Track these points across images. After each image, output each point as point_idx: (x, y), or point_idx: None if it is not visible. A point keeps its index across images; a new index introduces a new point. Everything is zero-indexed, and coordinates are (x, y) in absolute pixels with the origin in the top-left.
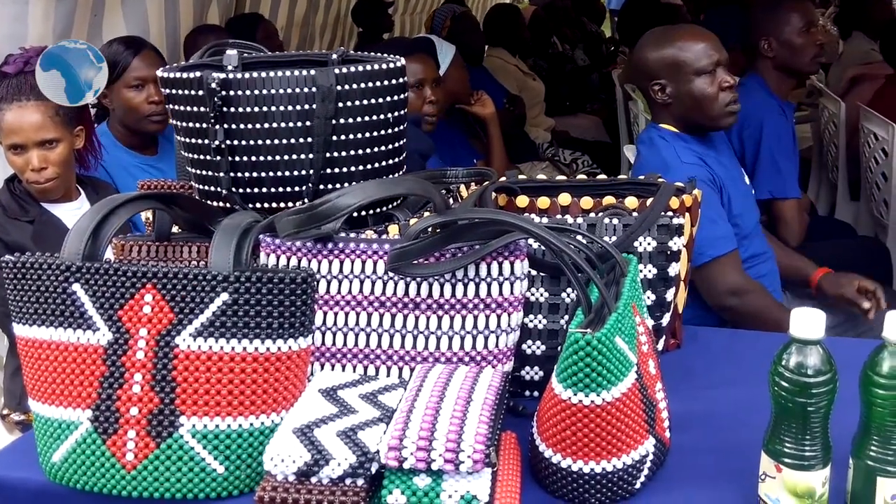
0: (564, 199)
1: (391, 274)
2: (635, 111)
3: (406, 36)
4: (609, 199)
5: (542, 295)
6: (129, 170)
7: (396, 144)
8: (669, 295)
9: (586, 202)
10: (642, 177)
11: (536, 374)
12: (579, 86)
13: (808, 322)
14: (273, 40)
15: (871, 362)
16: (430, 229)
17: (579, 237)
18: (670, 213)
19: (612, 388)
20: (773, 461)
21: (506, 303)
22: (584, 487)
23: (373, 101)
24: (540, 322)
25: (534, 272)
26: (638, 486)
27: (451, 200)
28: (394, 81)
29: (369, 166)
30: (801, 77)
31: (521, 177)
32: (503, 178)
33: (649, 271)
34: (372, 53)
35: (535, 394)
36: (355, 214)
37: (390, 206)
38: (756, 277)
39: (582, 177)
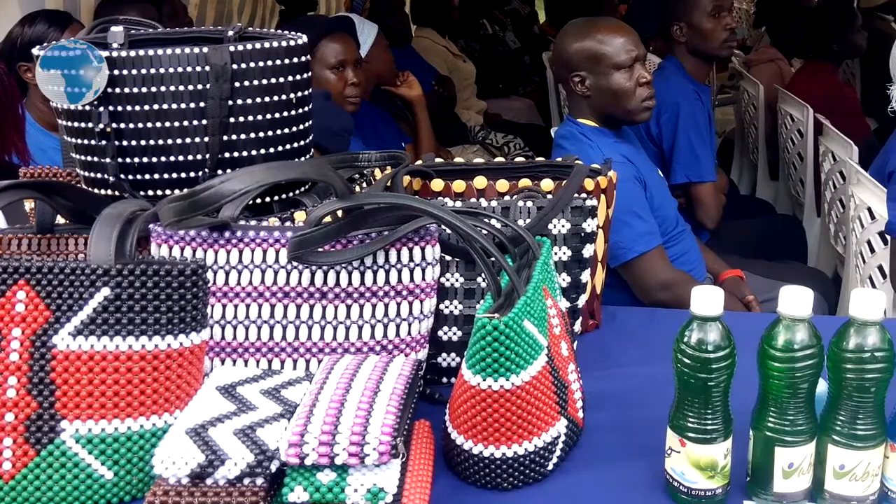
0: (480, 182)
1: (295, 263)
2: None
3: (326, 14)
4: (525, 182)
5: (457, 280)
6: (48, 152)
7: (301, 127)
8: (585, 276)
9: (502, 185)
10: (559, 159)
11: (453, 360)
12: (512, 68)
13: (707, 299)
14: (179, 18)
15: (767, 336)
16: (334, 215)
17: (493, 221)
18: (584, 195)
19: (522, 372)
20: (677, 436)
21: (417, 289)
22: (496, 472)
23: (272, 80)
24: (455, 308)
25: (448, 257)
26: (550, 467)
27: (364, 185)
28: (295, 60)
29: (271, 150)
30: (715, 61)
31: (437, 160)
32: (419, 162)
33: (564, 253)
34: (273, 31)
35: (453, 380)
36: (258, 201)
37: (297, 192)
38: (680, 254)
39: (500, 159)
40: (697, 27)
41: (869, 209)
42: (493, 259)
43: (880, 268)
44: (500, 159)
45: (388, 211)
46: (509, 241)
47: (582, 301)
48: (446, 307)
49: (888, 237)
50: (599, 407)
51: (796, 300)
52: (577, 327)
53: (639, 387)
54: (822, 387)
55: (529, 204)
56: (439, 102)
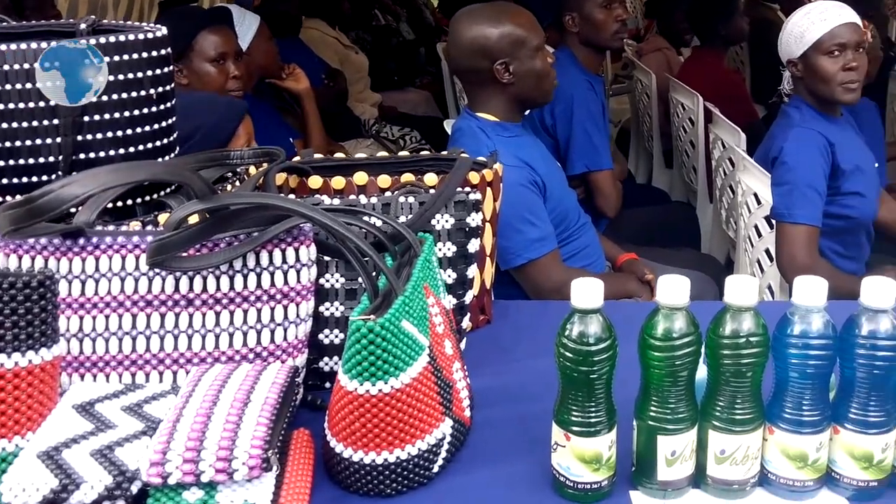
0: (360, 178)
1: (157, 269)
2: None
3: (202, 6)
4: (408, 177)
5: (337, 281)
6: None
7: (163, 124)
8: (471, 272)
9: (384, 181)
10: (444, 152)
11: (336, 364)
12: (407, 60)
13: (587, 292)
14: (45, 10)
15: (647, 325)
16: (202, 216)
17: (373, 218)
18: (468, 189)
19: (401, 375)
20: (562, 430)
21: (293, 292)
22: (378, 479)
23: (130, 75)
24: (337, 309)
25: (327, 258)
26: (436, 469)
27: (238, 183)
28: (154, 53)
29: (131, 149)
30: (607, 52)
31: (316, 155)
32: (297, 158)
33: (448, 249)
34: (130, 23)
35: None
36: (120, 203)
37: (162, 193)
38: (582, 248)
39: (382, 154)
40: (589, 18)
41: (755, 195)
42: (368, 258)
43: (767, 251)
44: (382, 154)
45: (255, 211)
46: (389, 238)
47: (469, 297)
48: (326, 309)
49: (774, 221)
50: (489, 404)
51: (673, 289)
52: (466, 324)
53: (530, 381)
54: (703, 373)
55: (411, 199)
56: (330, 96)
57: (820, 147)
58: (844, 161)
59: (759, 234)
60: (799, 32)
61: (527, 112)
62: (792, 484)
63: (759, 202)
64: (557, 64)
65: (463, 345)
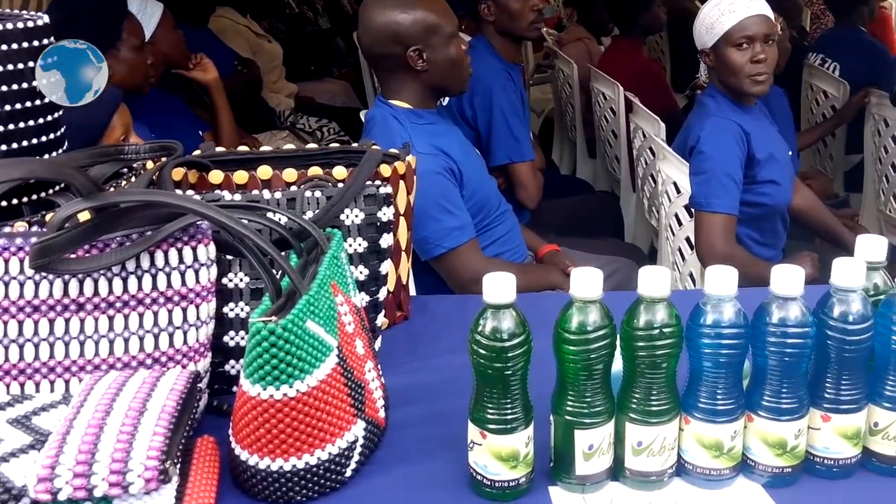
0: (265, 172)
1: (44, 273)
2: None
3: None
4: (315, 170)
5: (241, 280)
6: None
7: (49, 118)
8: (384, 268)
9: (289, 174)
10: (355, 144)
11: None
12: (323, 49)
13: (499, 287)
14: None
15: (561, 319)
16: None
17: (278, 215)
18: (378, 182)
19: (307, 377)
20: (478, 428)
21: (192, 293)
22: (287, 486)
23: (10, 67)
24: (242, 310)
25: (230, 256)
26: (349, 473)
27: (133, 179)
28: (36, 43)
29: (14, 145)
30: (523, 41)
31: (218, 149)
32: (197, 152)
33: (359, 245)
34: (9, 11)
35: None
36: (4, 203)
37: (51, 192)
38: (503, 234)
39: (289, 146)
40: (505, 7)
41: (675, 184)
42: (270, 257)
43: (688, 239)
44: (289, 146)
45: (146, 209)
46: (295, 235)
47: (383, 293)
48: (231, 310)
49: (693, 210)
50: (405, 403)
51: (586, 282)
52: (381, 321)
53: (449, 378)
54: (618, 366)
55: (318, 194)
56: (243, 85)
57: (735, 136)
58: (759, 150)
59: (680, 223)
60: (709, 23)
61: (445, 100)
62: (708, 473)
63: (678, 191)
64: (474, 53)
65: (378, 343)
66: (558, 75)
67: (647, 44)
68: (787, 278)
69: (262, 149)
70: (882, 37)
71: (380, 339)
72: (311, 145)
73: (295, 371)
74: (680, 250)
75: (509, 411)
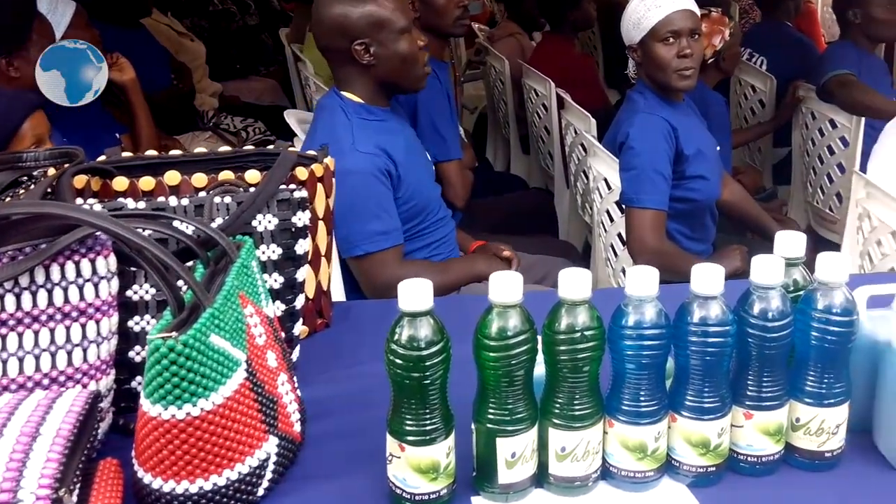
0: (172, 177)
1: None
2: (306, 73)
3: None
4: (226, 175)
5: (146, 292)
6: None
7: None
8: (301, 274)
9: (199, 179)
10: (271, 146)
11: None
12: (249, 46)
13: (415, 294)
14: None
15: (480, 325)
16: None
17: (184, 223)
18: (293, 186)
19: (212, 394)
20: (396, 441)
21: (91, 308)
22: None
23: None
24: (148, 324)
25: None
26: (261, 492)
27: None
28: None
29: None
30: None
31: (125, 154)
32: (102, 158)
33: (273, 252)
34: None
35: None
36: None
37: None
38: (440, 238)
39: (201, 149)
40: (430, 3)
41: (606, 180)
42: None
43: (620, 236)
44: (201, 149)
45: (39, 221)
46: (202, 244)
47: (301, 301)
48: (136, 324)
49: (624, 206)
50: (324, 415)
51: (505, 286)
52: (300, 329)
53: (370, 387)
54: (541, 370)
55: (228, 199)
56: (178, 101)
57: (664, 132)
58: (687, 146)
59: (612, 219)
60: (636, 19)
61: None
62: (633, 475)
63: (609, 187)
64: None
65: (296, 353)
66: (490, 71)
67: (580, 39)
68: (707, 277)
69: (171, 152)
70: (808, 31)
71: (298, 349)
72: (225, 148)
73: (198, 389)
74: (612, 246)
75: (428, 422)
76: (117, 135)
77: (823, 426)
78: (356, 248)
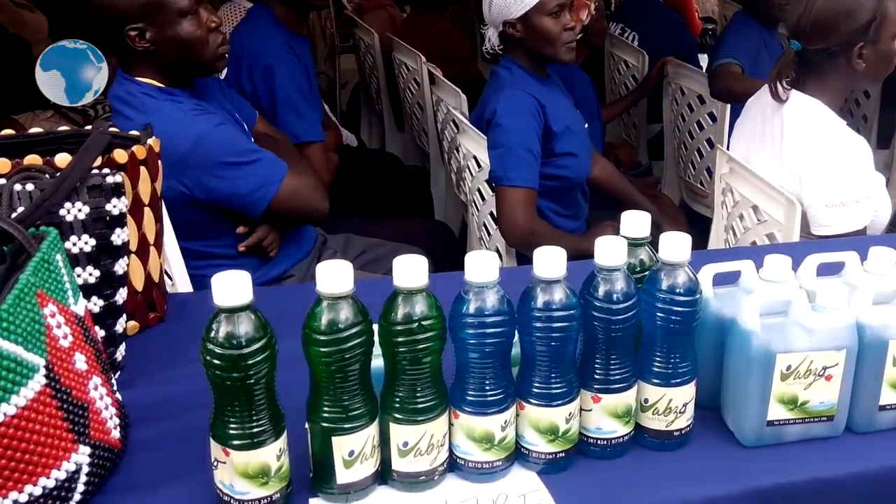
0: None
1: None
2: None
3: None
4: (33, 159)
5: None
6: None
7: None
8: (120, 267)
9: (3, 165)
10: (88, 127)
11: None
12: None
13: (231, 288)
14: None
15: (308, 318)
16: None
17: None
18: (106, 171)
19: (3, 405)
20: (220, 446)
21: None
22: None
23: None
24: None
25: None
26: None
27: None
28: None
29: None
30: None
31: None
32: None
33: (85, 243)
34: None
35: None
36: None
37: None
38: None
39: (9, 131)
40: None
41: (475, 158)
42: None
43: (493, 215)
44: (8, 131)
45: None
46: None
47: (122, 296)
48: None
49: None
50: (152, 418)
51: (333, 276)
52: (124, 326)
53: (203, 387)
54: (379, 362)
55: (30, 187)
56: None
57: (532, 109)
58: (556, 122)
59: (483, 198)
60: None
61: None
62: (481, 466)
63: (479, 165)
64: (253, 23)
65: (121, 352)
66: (360, 45)
67: (456, 13)
68: (549, 262)
69: (31, 131)
70: (680, 5)
71: (123, 347)
72: (36, 129)
73: None
74: (485, 226)
75: (254, 424)
76: None
77: (671, 406)
78: None
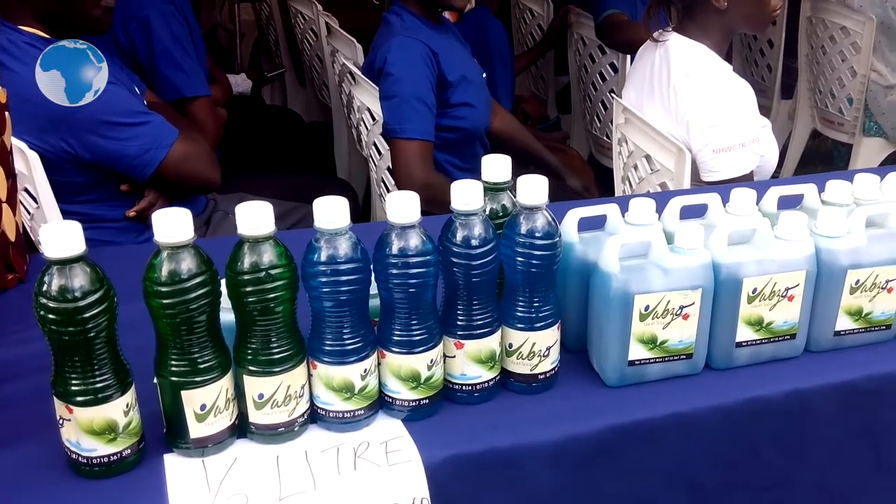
0: None
1: None
2: None
3: None
4: None
5: None
6: None
7: None
8: None
9: None
10: None
11: None
12: None
13: (61, 238)
14: None
15: (148, 269)
16: None
17: None
18: None
19: None
20: (63, 403)
21: None
22: None
23: None
24: None
25: None
26: None
27: None
28: None
29: None
30: None
31: None
32: None
33: None
34: None
35: None
36: None
37: None
38: None
39: None
40: None
41: (369, 110)
42: None
43: (390, 169)
44: None
45: None
46: None
47: None
48: None
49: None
50: (9, 378)
51: (172, 225)
52: None
53: None
54: (231, 314)
55: None
56: None
57: (424, 57)
58: (450, 71)
59: (380, 153)
60: None
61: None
62: (342, 416)
63: (374, 118)
64: None
65: None
66: None
67: None
68: (403, 207)
69: None
70: None
71: None
72: None
73: None
74: (384, 181)
75: (98, 380)
76: None
77: (535, 349)
78: None
